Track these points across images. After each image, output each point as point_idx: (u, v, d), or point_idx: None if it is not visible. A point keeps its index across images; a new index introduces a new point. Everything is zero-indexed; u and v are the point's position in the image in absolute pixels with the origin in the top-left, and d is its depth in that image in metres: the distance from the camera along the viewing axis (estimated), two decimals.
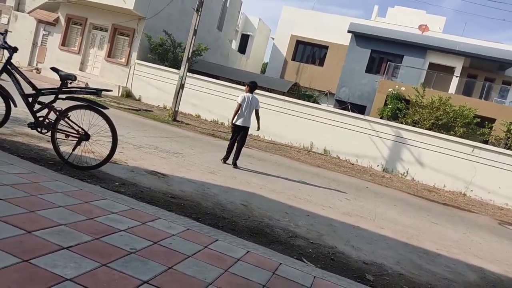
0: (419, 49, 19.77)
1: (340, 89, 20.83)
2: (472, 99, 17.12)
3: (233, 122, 7.01)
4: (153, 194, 3.97)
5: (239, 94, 14.91)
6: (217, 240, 2.69)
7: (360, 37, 20.56)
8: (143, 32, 16.76)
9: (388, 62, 19.75)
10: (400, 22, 21.75)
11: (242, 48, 28.25)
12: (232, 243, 2.76)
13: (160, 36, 16.93)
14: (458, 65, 19.53)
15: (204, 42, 18.13)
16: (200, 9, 12.75)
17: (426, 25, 20.73)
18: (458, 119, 14.86)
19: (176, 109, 13.12)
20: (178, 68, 16.31)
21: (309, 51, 23.91)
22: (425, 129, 13.85)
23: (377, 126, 13.37)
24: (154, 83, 16.44)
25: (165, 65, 16.93)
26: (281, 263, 2.58)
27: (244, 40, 28.33)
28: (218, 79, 16.57)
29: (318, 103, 18.45)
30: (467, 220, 7.90)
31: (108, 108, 4.13)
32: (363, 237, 4.43)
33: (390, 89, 17.22)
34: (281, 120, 14.28)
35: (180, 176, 5.11)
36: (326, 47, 22.84)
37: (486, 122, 15.40)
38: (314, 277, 2.54)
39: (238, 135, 7.03)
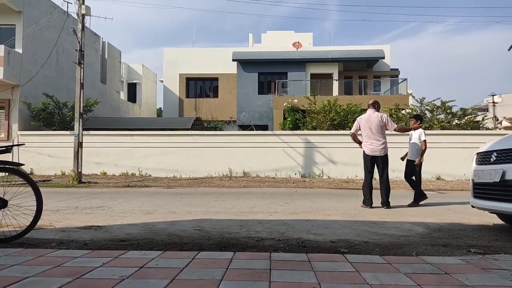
0: (299, 63, 21.62)
1: (240, 114, 21.54)
2: (354, 96, 19.17)
3: None
4: (100, 243, 3.57)
5: (142, 140, 14.55)
6: (199, 252, 2.55)
7: (245, 64, 21.71)
8: (20, 100, 15.29)
9: (276, 81, 21.14)
10: (274, 44, 23.55)
11: (132, 97, 27.48)
12: (212, 254, 2.64)
13: (41, 100, 15.59)
14: (334, 70, 21.80)
15: (90, 97, 17.20)
16: (82, 62, 12.17)
17: (298, 41, 22.84)
18: (349, 116, 16.42)
19: (80, 170, 12.09)
20: (68, 129, 15.24)
21: (201, 86, 24.36)
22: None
23: (286, 137, 14.09)
24: (45, 151, 14.94)
25: (53, 129, 15.58)
26: (271, 253, 2.54)
27: (132, 89, 27.64)
28: None
29: None
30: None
31: (24, 164, 3.66)
32: (318, 225, 4.59)
33: (285, 104, 18.37)
34: (193, 156, 14.15)
35: (118, 224, 4.70)
36: (216, 79, 23.53)
37: None
38: (307, 255, 2.56)
39: None
